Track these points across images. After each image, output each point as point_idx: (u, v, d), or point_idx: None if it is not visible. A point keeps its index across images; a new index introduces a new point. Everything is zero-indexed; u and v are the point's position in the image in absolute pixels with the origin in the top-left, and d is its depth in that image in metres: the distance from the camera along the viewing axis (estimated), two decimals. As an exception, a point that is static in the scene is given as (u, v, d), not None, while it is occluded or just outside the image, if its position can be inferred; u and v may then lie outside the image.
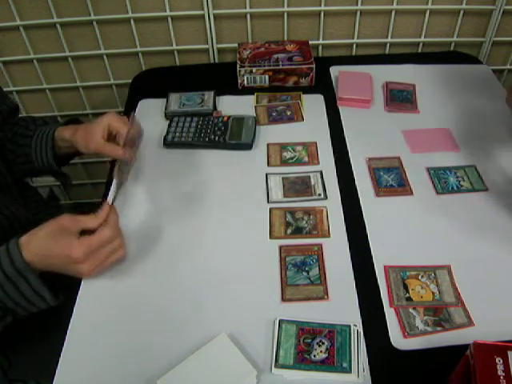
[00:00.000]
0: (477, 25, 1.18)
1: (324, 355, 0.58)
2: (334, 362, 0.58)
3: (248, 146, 0.90)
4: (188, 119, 0.94)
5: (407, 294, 0.66)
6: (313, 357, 0.58)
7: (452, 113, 0.99)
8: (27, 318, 0.63)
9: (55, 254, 0.60)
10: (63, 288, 0.63)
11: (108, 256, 0.64)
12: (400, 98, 1.02)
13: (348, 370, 0.57)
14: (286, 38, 1.18)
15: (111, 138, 0.80)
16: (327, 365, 0.58)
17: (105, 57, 1.19)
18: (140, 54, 1.19)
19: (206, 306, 0.65)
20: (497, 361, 0.48)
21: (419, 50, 1.22)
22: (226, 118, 0.94)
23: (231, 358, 0.57)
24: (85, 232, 0.63)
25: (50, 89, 1.25)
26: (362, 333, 0.61)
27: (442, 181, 0.83)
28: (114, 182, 0.71)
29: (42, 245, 0.60)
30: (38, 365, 0.69)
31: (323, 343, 0.60)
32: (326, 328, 0.61)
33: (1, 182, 0.76)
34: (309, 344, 0.60)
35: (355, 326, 0.62)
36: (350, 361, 0.58)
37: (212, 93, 1.02)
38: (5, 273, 0.58)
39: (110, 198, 0.68)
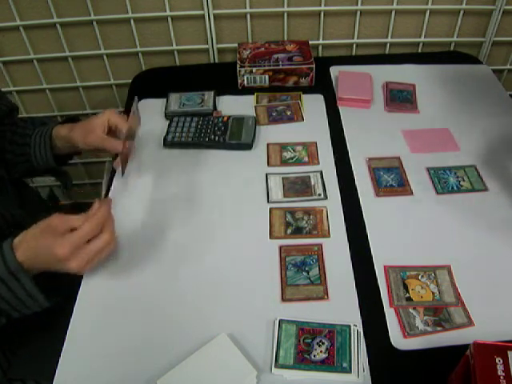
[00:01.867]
0: (477, 25, 1.18)
1: (324, 355, 0.58)
2: (334, 362, 0.58)
3: (248, 146, 0.90)
4: (188, 119, 0.94)
5: (407, 294, 0.66)
6: (313, 357, 0.58)
7: (452, 113, 0.99)
8: (27, 317, 0.62)
9: (42, 253, 0.59)
10: (58, 289, 0.62)
11: (97, 251, 0.61)
12: (400, 98, 1.03)
13: (348, 370, 0.57)
14: (286, 38, 1.18)
15: (110, 133, 0.80)
16: (327, 365, 0.58)
17: (105, 57, 1.19)
18: (140, 54, 1.19)
19: (206, 305, 0.65)
20: (497, 361, 0.48)
21: (419, 50, 1.22)
22: (226, 118, 0.94)
23: (231, 358, 0.57)
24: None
25: (49, 89, 1.25)
26: (361, 333, 0.61)
27: (441, 181, 0.83)
28: (105, 176, 0.71)
29: (31, 245, 0.59)
30: (38, 364, 0.69)
31: (323, 343, 0.60)
32: (326, 328, 0.61)
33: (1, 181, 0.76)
34: (309, 344, 0.60)
35: (355, 325, 0.62)
36: (350, 361, 0.58)
37: (212, 93, 1.02)
38: None
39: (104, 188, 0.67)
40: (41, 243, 0.59)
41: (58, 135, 0.80)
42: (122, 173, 0.80)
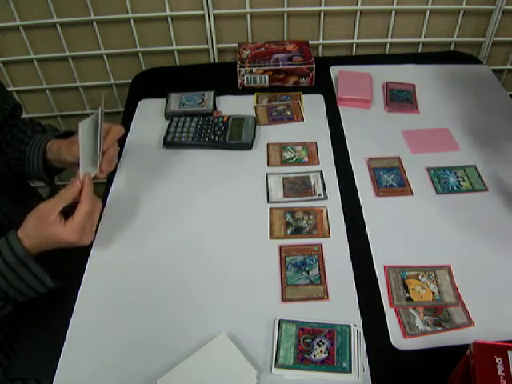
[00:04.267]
0: (477, 25, 1.18)
1: (324, 355, 0.58)
2: (334, 361, 0.58)
3: (248, 146, 0.90)
4: (188, 119, 0.94)
5: (407, 294, 0.66)
6: (313, 357, 0.58)
7: (452, 113, 0.99)
8: (27, 317, 0.63)
9: (51, 242, 0.62)
10: (62, 269, 0.65)
11: (97, 218, 0.67)
12: (400, 98, 1.03)
13: (348, 370, 0.57)
14: (286, 38, 1.18)
15: None
16: (327, 365, 0.58)
17: (105, 57, 1.19)
18: (140, 54, 1.19)
19: (206, 305, 0.65)
20: (497, 361, 0.48)
21: (419, 50, 1.22)
22: (225, 118, 0.94)
23: (231, 357, 0.57)
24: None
25: (49, 89, 1.25)
26: (361, 333, 0.61)
27: (442, 181, 0.83)
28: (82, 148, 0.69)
29: (35, 234, 0.61)
30: (38, 364, 0.69)
31: (323, 343, 0.60)
32: (326, 328, 0.61)
33: (2, 181, 0.76)
34: (309, 344, 0.60)
35: (355, 325, 0.62)
36: (350, 361, 0.58)
37: (212, 93, 1.02)
38: (6, 262, 0.59)
39: (81, 168, 0.67)
40: (45, 233, 0.61)
41: (50, 149, 0.79)
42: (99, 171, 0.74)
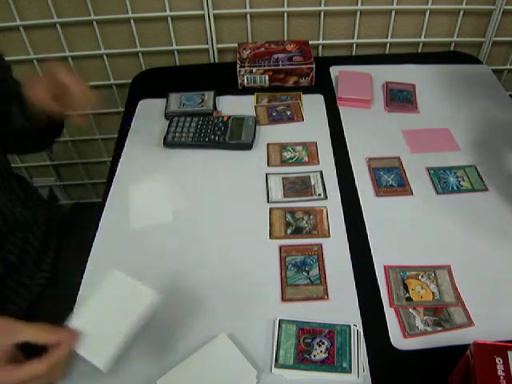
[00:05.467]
0: (477, 25, 1.18)
1: (324, 355, 0.58)
2: (334, 361, 0.58)
3: (248, 146, 0.90)
4: (188, 119, 0.94)
5: (407, 294, 0.66)
6: (313, 357, 0.58)
7: (452, 113, 0.99)
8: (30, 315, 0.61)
9: None
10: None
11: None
12: (400, 98, 1.02)
13: (348, 370, 0.57)
14: (286, 38, 1.18)
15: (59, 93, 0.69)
16: (327, 365, 0.58)
17: (105, 57, 1.19)
18: (140, 54, 1.19)
19: (206, 305, 0.65)
20: (497, 361, 0.48)
21: (419, 50, 1.22)
22: (225, 118, 0.94)
23: (231, 357, 0.57)
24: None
25: (50, 89, 1.25)
26: (361, 333, 0.61)
27: (441, 181, 0.83)
28: None
29: None
30: None
31: (323, 343, 0.60)
32: (326, 328, 0.61)
33: (3, 178, 0.76)
34: (309, 344, 0.60)
35: (355, 325, 0.62)
36: (350, 361, 0.58)
37: (212, 93, 1.02)
38: None
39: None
40: None
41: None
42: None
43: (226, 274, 0.69)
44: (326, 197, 0.81)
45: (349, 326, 0.61)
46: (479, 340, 0.50)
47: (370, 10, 1.14)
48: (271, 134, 0.94)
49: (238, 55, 1.07)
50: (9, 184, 0.78)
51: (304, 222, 0.76)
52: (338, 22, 1.17)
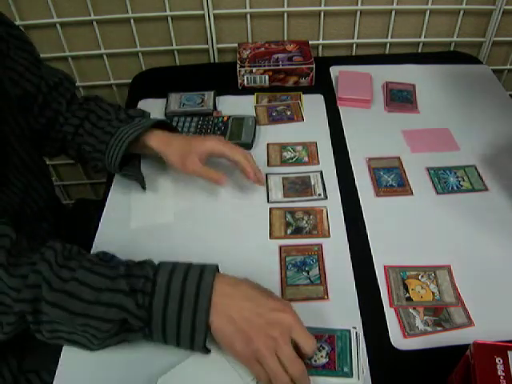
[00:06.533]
0: (477, 25, 1.18)
1: (325, 360, 0.58)
2: (335, 366, 0.58)
3: (248, 146, 0.90)
4: (188, 119, 0.94)
5: (407, 294, 0.66)
6: (313, 362, 0.58)
7: (452, 113, 0.99)
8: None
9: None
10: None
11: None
12: (400, 98, 1.03)
13: (349, 375, 0.57)
14: (286, 38, 1.18)
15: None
16: (328, 369, 0.57)
17: (105, 57, 1.19)
18: (140, 54, 1.19)
19: (206, 305, 0.65)
20: (497, 361, 0.48)
21: (419, 50, 1.22)
22: (225, 118, 0.94)
23: (232, 358, 0.57)
24: None
25: (50, 89, 1.25)
26: (362, 336, 0.61)
27: (441, 181, 0.83)
28: None
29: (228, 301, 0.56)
30: (51, 356, 0.68)
31: (324, 348, 0.59)
32: (326, 333, 0.61)
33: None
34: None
35: (354, 328, 0.61)
36: (351, 365, 0.58)
37: (212, 93, 1.02)
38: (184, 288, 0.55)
39: None
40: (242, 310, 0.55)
41: (147, 145, 0.75)
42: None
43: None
44: (326, 197, 0.81)
45: (349, 331, 0.61)
46: (479, 340, 0.50)
47: (370, 10, 1.14)
48: (271, 133, 0.94)
49: (238, 55, 1.07)
50: (19, 176, 0.77)
51: (304, 222, 0.76)
52: (337, 22, 1.17)
